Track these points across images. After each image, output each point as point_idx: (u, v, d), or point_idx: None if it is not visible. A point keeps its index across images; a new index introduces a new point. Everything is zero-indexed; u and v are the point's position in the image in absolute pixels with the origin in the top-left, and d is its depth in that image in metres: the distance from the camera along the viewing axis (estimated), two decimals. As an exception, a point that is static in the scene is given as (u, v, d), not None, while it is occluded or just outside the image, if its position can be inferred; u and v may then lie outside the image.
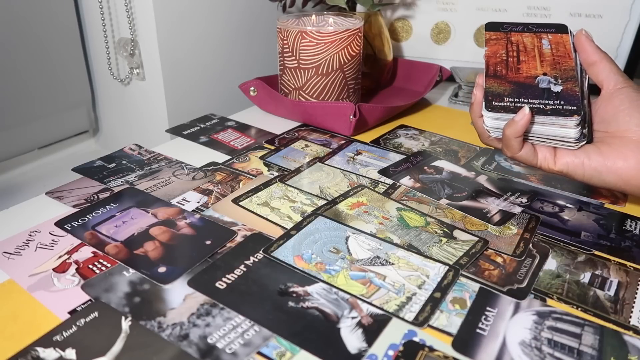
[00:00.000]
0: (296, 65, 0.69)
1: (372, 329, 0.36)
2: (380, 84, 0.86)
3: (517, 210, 0.51)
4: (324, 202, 0.51)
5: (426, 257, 0.44)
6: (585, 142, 0.44)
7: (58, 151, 0.84)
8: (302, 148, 0.64)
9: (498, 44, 0.50)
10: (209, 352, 0.34)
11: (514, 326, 0.37)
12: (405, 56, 0.94)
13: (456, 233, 0.47)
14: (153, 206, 0.50)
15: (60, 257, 0.43)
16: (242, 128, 0.70)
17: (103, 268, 0.42)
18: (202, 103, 0.83)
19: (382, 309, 0.38)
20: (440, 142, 0.66)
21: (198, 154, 0.62)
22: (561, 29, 0.51)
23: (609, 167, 0.43)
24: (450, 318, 0.37)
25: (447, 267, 0.42)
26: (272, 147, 0.64)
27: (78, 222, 0.48)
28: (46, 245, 0.45)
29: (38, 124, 0.77)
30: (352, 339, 0.35)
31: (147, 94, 0.78)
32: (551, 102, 0.44)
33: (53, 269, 0.42)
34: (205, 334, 0.35)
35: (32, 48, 0.72)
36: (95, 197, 0.52)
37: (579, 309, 0.39)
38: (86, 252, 0.44)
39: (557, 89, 0.45)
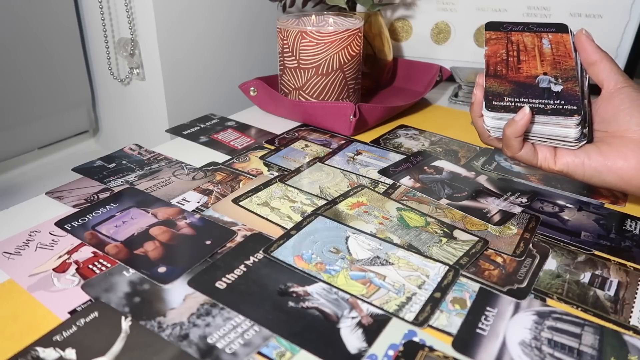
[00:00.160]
0: (296, 65, 0.69)
1: (372, 329, 0.36)
2: (380, 84, 0.86)
3: (517, 210, 0.51)
4: (324, 202, 0.51)
5: (426, 257, 0.43)
6: (585, 141, 0.44)
7: (58, 151, 0.84)
8: (302, 148, 0.64)
9: (498, 43, 0.50)
10: (209, 352, 0.34)
11: (514, 326, 0.37)
12: (405, 56, 0.94)
13: (456, 233, 0.47)
14: (153, 206, 0.50)
15: (60, 257, 0.43)
16: (242, 128, 0.70)
17: (103, 268, 0.42)
18: (202, 103, 0.83)
19: (382, 309, 0.38)
20: (440, 142, 0.66)
21: (198, 154, 0.62)
22: (561, 28, 0.51)
23: (609, 166, 0.43)
24: (450, 318, 0.37)
25: (447, 267, 0.42)
26: (272, 147, 0.64)
27: (78, 222, 0.48)
28: (46, 245, 0.45)
29: (38, 124, 0.77)
30: (352, 339, 0.35)
31: (147, 94, 0.78)
32: (551, 102, 0.44)
33: (53, 269, 0.42)
34: (205, 334, 0.35)
35: (32, 48, 0.72)
36: (95, 197, 0.52)
37: (579, 309, 0.39)
38: (86, 252, 0.44)
39: (557, 88, 0.45)
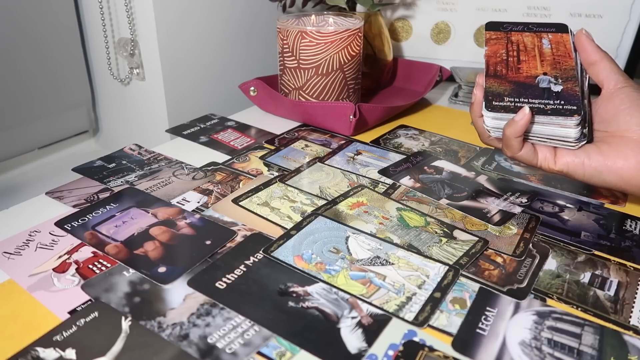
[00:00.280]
0: (296, 65, 0.69)
1: (372, 329, 0.36)
2: (380, 84, 0.86)
3: (517, 210, 0.51)
4: (324, 202, 0.51)
5: (426, 257, 0.43)
6: (585, 141, 0.44)
7: (58, 151, 0.84)
8: (302, 148, 0.64)
9: (498, 43, 0.50)
10: (209, 352, 0.34)
11: (514, 326, 0.37)
12: (405, 56, 0.94)
13: (456, 233, 0.47)
14: (153, 206, 0.50)
15: (60, 257, 0.43)
16: (242, 128, 0.70)
17: (103, 268, 0.42)
18: (202, 103, 0.83)
19: (382, 309, 0.38)
20: (440, 142, 0.66)
21: (198, 154, 0.62)
22: (561, 28, 0.51)
23: (610, 166, 0.43)
24: (450, 318, 0.37)
25: (447, 267, 0.42)
26: (272, 147, 0.64)
27: (78, 222, 0.48)
28: (46, 245, 0.45)
29: (38, 124, 0.77)
30: (352, 339, 0.35)
31: (147, 94, 0.78)
32: (551, 102, 0.44)
33: (53, 269, 0.42)
34: (205, 334, 0.35)
35: (32, 48, 0.72)
36: (95, 197, 0.52)
37: (579, 309, 0.39)
38: (86, 252, 0.44)
39: (557, 88, 0.45)
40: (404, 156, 0.62)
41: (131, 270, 0.41)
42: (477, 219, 0.49)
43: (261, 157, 0.61)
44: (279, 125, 0.71)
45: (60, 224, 0.47)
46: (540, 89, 0.45)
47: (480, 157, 0.62)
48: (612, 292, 0.41)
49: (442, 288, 0.40)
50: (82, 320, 0.36)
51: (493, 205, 0.52)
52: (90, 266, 0.42)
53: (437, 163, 0.61)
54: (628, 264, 0.44)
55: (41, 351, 0.34)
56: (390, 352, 0.34)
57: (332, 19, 0.74)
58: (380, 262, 0.43)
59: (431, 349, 0.35)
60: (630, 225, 0.49)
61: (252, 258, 0.43)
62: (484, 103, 0.45)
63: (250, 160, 0.61)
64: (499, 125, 0.46)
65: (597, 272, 0.43)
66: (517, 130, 0.44)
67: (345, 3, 0.77)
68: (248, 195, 0.52)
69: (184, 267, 0.42)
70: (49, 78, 0.76)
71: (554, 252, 0.45)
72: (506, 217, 0.50)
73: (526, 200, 0.53)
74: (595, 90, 0.47)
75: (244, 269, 0.42)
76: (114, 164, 0.59)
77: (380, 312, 0.38)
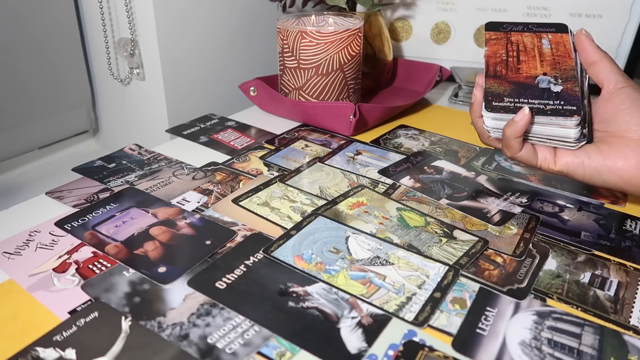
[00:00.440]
0: (296, 65, 0.69)
1: (372, 329, 0.36)
2: (380, 84, 0.86)
3: (517, 210, 0.51)
4: (324, 202, 0.51)
5: (426, 257, 0.44)
6: (585, 142, 0.44)
7: (58, 151, 0.84)
8: (302, 148, 0.64)
9: (498, 43, 0.50)
10: (209, 352, 0.34)
11: (514, 326, 0.37)
12: (405, 56, 0.94)
13: (456, 233, 0.47)
14: (153, 206, 0.50)
15: (60, 257, 0.43)
16: (242, 128, 0.70)
17: (103, 268, 0.42)
18: (202, 103, 0.83)
19: (382, 309, 0.38)
20: (440, 142, 0.66)
21: (198, 154, 0.62)
22: (561, 28, 0.51)
23: (609, 166, 0.43)
24: (450, 318, 0.37)
25: (447, 267, 0.42)
26: (272, 147, 0.64)
27: (78, 222, 0.48)
28: (46, 245, 0.45)
29: (38, 124, 0.77)
30: (352, 339, 0.35)
31: (147, 94, 0.78)
32: (551, 102, 0.44)
33: (53, 269, 0.42)
34: (205, 334, 0.35)
35: (32, 48, 0.72)
36: (95, 197, 0.52)
37: (579, 309, 0.39)
38: (86, 252, 0.44)
39: (557, 89, 0.45)
40: (404, 156, 0.62)
41: (131, 270, 0.41)
42: (477, 219, 0.49)
43: (261, 157, 0.61)
44: (279, 125, 0.71)
45: (60, 224, 0.47)
46: (540, 89, 0.45)
47: (480, 157, 0.62)
48: (612, 292, 0.41)
49: (442, 288, 0.40)
50: (82, 320, 0.36)
51: (493, 205, 0.52)
52: (90, 266, 0.42)
53: (437, 163, 0.61)
54: (628, 264, 0.44)
55: (41, 351, 0.34)
56: (390, 352, 0.34)
57: (332, 19, 0.74)
58: (380, 262, 0.43)
59: (431, 349, 0.35)
60: (630, 225, 0.49)
61: (252, 258, 0.43)
62: (483, 103, 0.45)
63: (250, 160, 0.61)
64: (499, 126, 0.46)
65: (597, 272, 0.43)
66: (516, 130, 0.44)
67: (345, 3, 0.77)
68: (248, 195, 0.52)
69: (184, 267, 0.42)
70: (49, 78, 0.76)
71: (554, 252, 0.45)
72: (506, 217, 0.50)
73: (526, 200, 0.53)
74: (595, 90, 0.47)
75: (244, 269, 0.42)
76: (114, 164, 0.59)
77: (380, 312, 0.38)
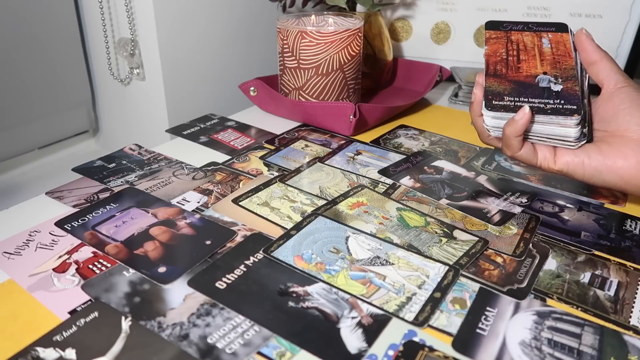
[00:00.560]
0: (296, 65, 0.69)
1: (372, 329, 0.36)
2: (380, 84, 0.86)
3: (517, 210, 0.51)
4: (324, 202, 0.51)
5: (426, 257, 0.43)
6: (585, 141, 0.44)
7: (58, 151, 0.84)
8: (302, 148, 0.64)
9: (498, 42, 0.50)
10: (209, 352, 0.34)
11: (514, 326, 0.37)
12: (405, 56, 0.94)
13: (456, 233, 0.47)
14: (153, 206, 0.50)
15: (60, 257, 0.43)
16: (242, 128, 0.70)
17: (103, 268, 0.42)
18: (202, 103, 0.83)
19: (382, 309, 0.38)
20: (440, 142, 0.66)
21: (198, 154, 0.62)
22: (561, 28, 0.51)
23: (609, 166, 0.43)
24: (450, 318, 0.37)
25: (447, 267, 0.42)
26: (272, 147, 0.64)
27: (78, 222, 0.48)
28: (46, 245, 0.45)
29: (38, 124, 0.77)
30: (352, 339, 0.35)
31: (147, 94, 0.78)
32: (551, 101, 0.44)
33: (53, 269, 0.42)
34: (205, 334, 0.35)
35: (32, 48, 0.72)
36: (95, 197, 0.52)
37: (579, 309, 0.39)
38: (86, 252, 0.44)
39: (557, 88, 0.45)
40: (404, 156, 0.62)
41: (131, 270, 0.41)
42: (477, 219, 0.49)
43: (261, 157, 0.61)
44: (279, 125, 0.71)
45: (60, 224, 0.47)
46: (540, 88, 0.45)
47: (480, 157, 0.62)
48: (612, 292, 0.41)
49: (442, 288, 0.40)
50: (82, 320, 0.36)
51: (493, 205, 0.52)
52: (90, 266, 0.42)
53: (437, 163, 0.61)
54: (628, 264, 0.44)
55: (41, 351, 0.34)
56: (390, 352, 0.34)
57: (332, 19, 0.74)
58: (380, 262, 0.43)
59: (431, 349, 0.35)
60: (630, 225, 0.49)
61: (252, 258, 0.43)
62: (483, 102, 0.45)
63: (250, 160, 0.61)
64: (499, 125, 0.46)
65: (597, 272, 0.43)
66: (517, 129, 0.43)
67: (345, 3, 0.77)
68: (248, 195, 0.52)
69: (184, 267, 0.42)
70: (49, 78, 0.76)
71: (554, 252, 0.45)
72: (506, 217, 0.50)
73: (526, 200, 0.53)
74: (595, 90, 0.47)
75: (244, 269, 0.42)
76: (114, 164, 0.59)
77: (380, 312, 0.38)
